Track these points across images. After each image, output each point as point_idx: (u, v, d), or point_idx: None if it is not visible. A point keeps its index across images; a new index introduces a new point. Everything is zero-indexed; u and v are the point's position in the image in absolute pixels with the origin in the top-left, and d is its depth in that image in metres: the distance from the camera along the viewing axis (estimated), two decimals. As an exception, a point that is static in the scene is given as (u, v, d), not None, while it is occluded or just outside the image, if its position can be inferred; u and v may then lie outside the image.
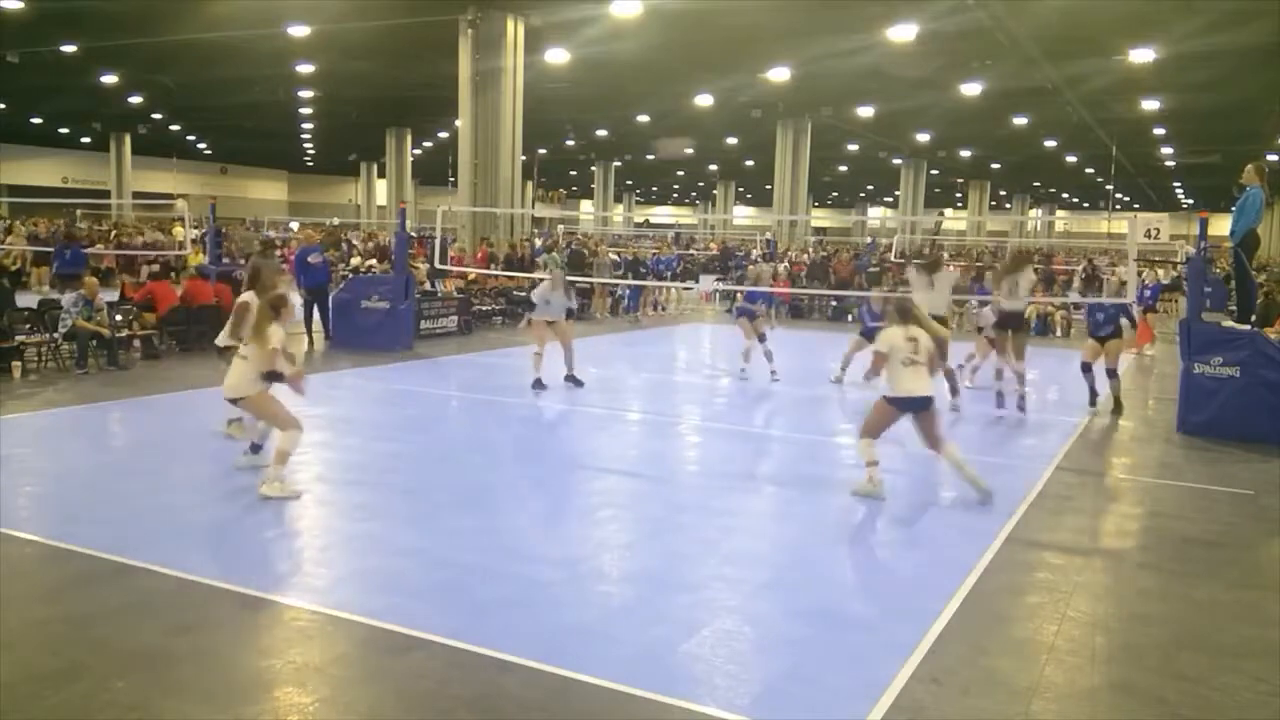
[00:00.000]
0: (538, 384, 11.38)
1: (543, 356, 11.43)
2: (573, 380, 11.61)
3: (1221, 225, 12.61)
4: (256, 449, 7.48)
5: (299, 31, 21.88)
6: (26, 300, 14.23)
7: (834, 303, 22.79)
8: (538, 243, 25.33)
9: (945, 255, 15.46)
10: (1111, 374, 11.36)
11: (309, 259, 15.36)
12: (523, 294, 19.81)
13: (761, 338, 12.74)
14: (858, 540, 6.62)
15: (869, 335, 11.21)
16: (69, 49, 24.88)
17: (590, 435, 9.84)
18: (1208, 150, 35.84)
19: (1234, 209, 10.45)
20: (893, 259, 23.84)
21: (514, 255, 21.28)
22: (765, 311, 13.75)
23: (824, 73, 25.11)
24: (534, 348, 11.52)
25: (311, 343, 14.98)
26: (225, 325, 8.16)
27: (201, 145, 51.20)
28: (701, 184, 69.34)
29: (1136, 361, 16.89)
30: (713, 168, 55.72)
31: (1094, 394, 11.43)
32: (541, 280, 12.69)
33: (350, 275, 19.79)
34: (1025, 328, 11.28)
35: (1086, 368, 11.41)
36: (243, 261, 17.46)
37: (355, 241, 30.06)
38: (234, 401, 7.10)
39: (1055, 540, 6.54)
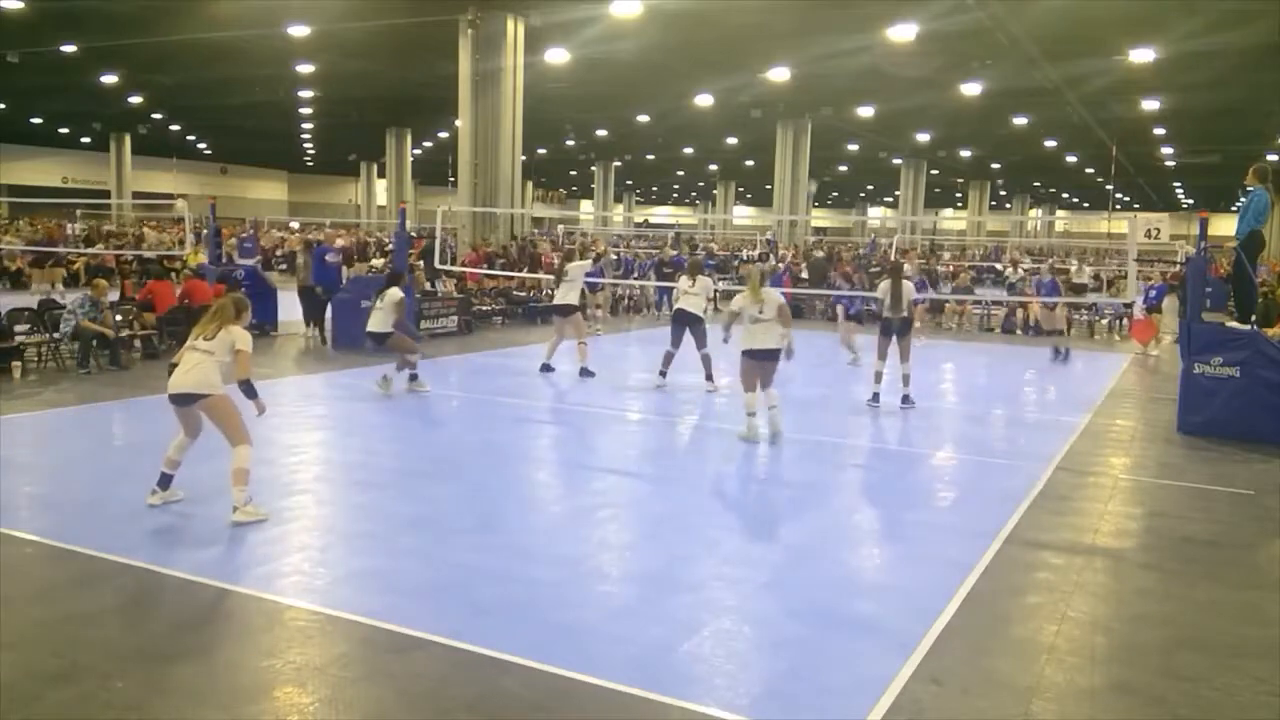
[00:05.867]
0: (585, 372, 12.56)
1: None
2: (548, 369, 12.82)
3: (1221, 225, 12.68)
4: (166, 481, 6.50)
5: (299, 31, 21.87)
6: (26, 300, 14.24)
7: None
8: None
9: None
10: None
11: (326, 258, 15.50)
12: (523, 295, 19.85)
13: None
14: (858, 540, 6.62)
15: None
16: (69, 49, 24.88)
17: (590, 435, 9.84)
18: (1208, 150, 35.85)
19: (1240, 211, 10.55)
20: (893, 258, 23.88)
21: (506, 253, 21.29)
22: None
23: (824, 73, 25.11)
24: (582, 337, 12.89)
25: (324, 339, 15.08)
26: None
27: (201, 145, 51.21)
28: (701, 184, 69.33)
29: (1139, 361, 16.89)
30: (713, 168, 55.72)
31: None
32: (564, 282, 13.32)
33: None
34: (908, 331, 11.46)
35: None
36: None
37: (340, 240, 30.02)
38: (188, 401, 6.28)
39: (1055, 540, 6.54)
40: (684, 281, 12.46)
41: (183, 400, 6.32)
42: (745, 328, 8.97)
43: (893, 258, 23.08)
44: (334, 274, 15.64)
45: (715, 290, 13.21)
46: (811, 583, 5.61)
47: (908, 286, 11.40)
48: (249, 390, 6.31)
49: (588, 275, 15.22)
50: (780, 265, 24.85)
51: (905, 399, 11.02)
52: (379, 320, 10.92)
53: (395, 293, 11.04)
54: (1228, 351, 9.87)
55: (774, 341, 8.92)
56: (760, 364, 8.98)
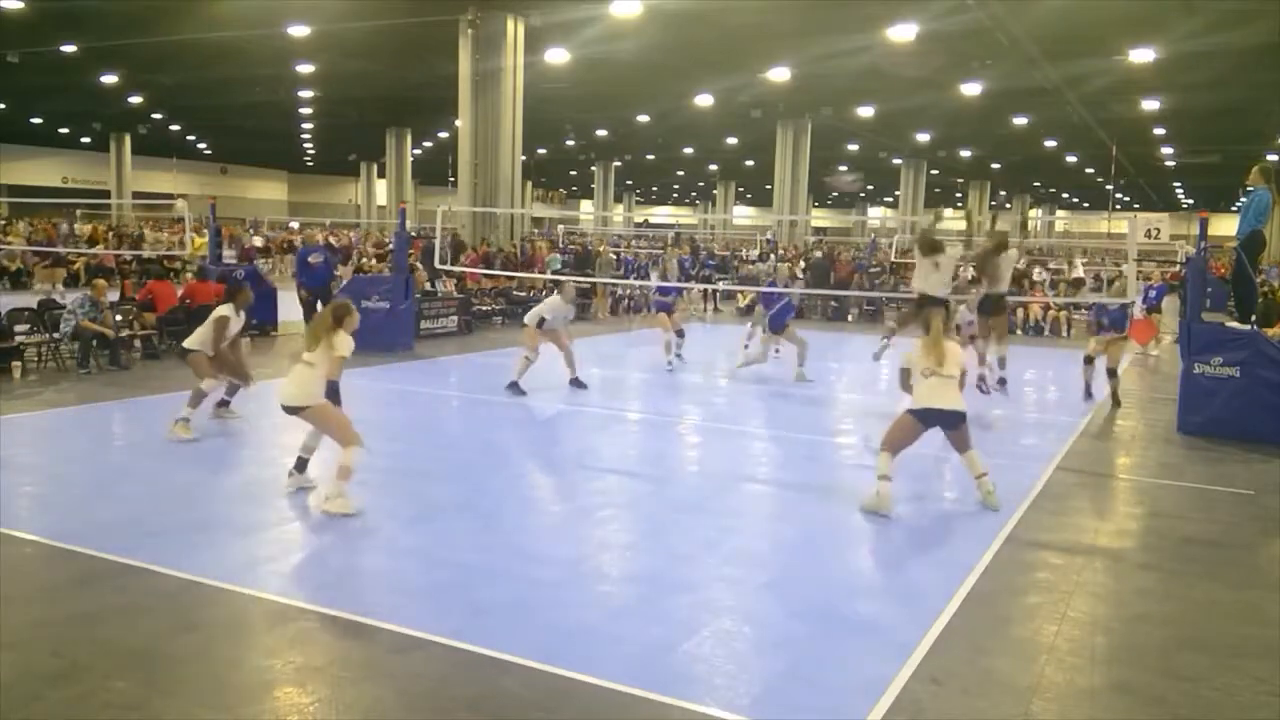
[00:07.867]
0: (515, 387, 11.04)
1: (533, 362, 11.15)
2: (578, 383, 11.52)
3: (1221, 225, 12.68)
4: (302, 465, 6.96)
5: (299, 31, 21.89)
6: (27, 300, 14.23)
7: (834, 303, 22.80)
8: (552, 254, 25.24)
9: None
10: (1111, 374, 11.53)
11: (309, 259, 15.41)
12: (523, 295, 19.86)
13: (680, 332, 13.89)
14: (857, 540, 6.62)
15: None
16: (69, 49, 24.89)
17: (590, 435, 9.83)
18: (1208, 150, 35.84)
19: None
20: (893, 259, 23.86)
21: (500, 254, 21.30)
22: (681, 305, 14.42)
23: (824, 73, 25.11)
24: (525, 352, 11.18)
25: None
26: (197, 330, 8.70)
27: (201, 145, 51.21)
28: (701, 184, 69.33)
29: (1139, 360, 16.88)
30: (713, 168, 55.73)
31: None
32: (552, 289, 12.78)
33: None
34: (1004, 310, 10.91)
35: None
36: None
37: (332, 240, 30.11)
38: (294, 411, 6.59)
39: (1055, 540, 6.54)
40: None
41: (289, 411, 6.65)
42: (918, 382, 7.09)
43: (893, 258, 23.04)
44: (320, 275, 15.48)
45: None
46: (811, 583, 5.61)
47: (1010, 256, 10.63)
48: (333, 393, 6.59)
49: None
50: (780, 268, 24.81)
51: (1001, 381, 10.89)
52: (195, 337, 8.81)
53: (218, 310, 8.92)
54: (1228, 351, 9.87)
55: (953, 401, 7.03)
56: (940, 429, 7.11)
